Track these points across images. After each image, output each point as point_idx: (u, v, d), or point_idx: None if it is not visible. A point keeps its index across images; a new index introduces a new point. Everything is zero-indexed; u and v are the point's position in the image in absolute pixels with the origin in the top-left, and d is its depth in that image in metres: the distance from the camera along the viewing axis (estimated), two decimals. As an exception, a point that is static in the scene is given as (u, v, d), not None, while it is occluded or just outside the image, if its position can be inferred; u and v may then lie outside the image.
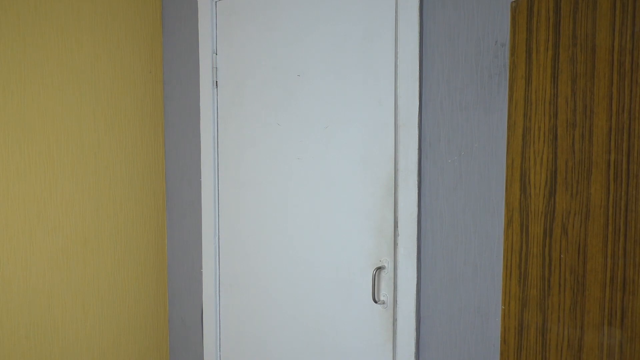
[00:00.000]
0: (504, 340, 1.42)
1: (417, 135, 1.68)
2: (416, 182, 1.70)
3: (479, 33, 1.58)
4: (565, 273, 1.30)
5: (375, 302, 1.81)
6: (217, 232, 2.23)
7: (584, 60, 1.25)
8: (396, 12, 1.72)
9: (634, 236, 1.20)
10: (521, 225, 1.37)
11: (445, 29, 1.63)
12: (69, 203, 2.11)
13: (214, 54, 2.17)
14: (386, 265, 1.80)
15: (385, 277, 1.81)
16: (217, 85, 2.17)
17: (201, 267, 2.29)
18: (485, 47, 1.57)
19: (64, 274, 2.12)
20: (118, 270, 2.28)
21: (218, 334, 2.26)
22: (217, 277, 2.24)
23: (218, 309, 2.25)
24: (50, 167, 2.06)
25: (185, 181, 2.35)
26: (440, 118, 1.66)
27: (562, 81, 1.28)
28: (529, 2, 1.32)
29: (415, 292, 1.72)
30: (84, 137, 2.15)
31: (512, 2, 1.37)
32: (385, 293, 1.81)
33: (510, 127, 1.39)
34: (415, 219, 1.70)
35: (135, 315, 2.35)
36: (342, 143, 1.88)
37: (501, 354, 1.43)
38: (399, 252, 1.75)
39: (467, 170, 1.63)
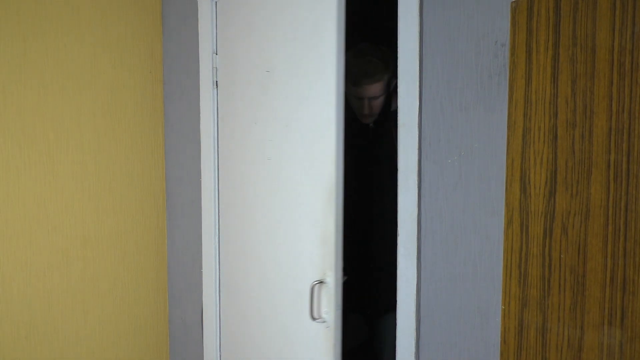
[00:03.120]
0: (504, 340, 1.42)
1: (417, 135, 1.68)
2: (416, 182, 1.69)
3: (479, 33, 1.58)
4: (565, 273, 1.31)
5: (314, 319, 1.69)
6: (217, 232, 2.22)
7: (584, 60, 1.25)
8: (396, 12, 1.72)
9: (634, 236, 1.20)
10: (521, 225, 1.37)
11: (445, 29, 1.63)
12: (69, 203, 2.11)
13: (214, 54, 2.16)
14: (328, 280, 1.67)
15: (327, 292, 1.67)
16: (217, 85, 2.17)
17: (201, 267, 2.29)
18: (485, 47, 1.57)
19: (64, 274, 2.11)
20: (118, 270, 2.28)
21: (218, 334, 2.26)
22: (217, 277, 2.24)
23: (218, 309, 2.24)
24: (50, 167, 2.06)
25: (185, 181, 2.35)
26: (440, 118, 1.66)
27: (562, 81, 1.28)
28: (529, 2, 1.32)
29: (415, 292, 1.72)
30: (84, 137, 2.15)
31: (512, 2, 1.37)
32: (327, 310, 1.68)
33: (510, 127, 1.39)
34: (415, 219, 1.70)
35: (135, 315, 2.35)
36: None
37: (501, 354, 1.43)
38: (399, 252, 1.74)
39: (467, 170, 1.63)
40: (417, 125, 1.68)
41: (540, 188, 1.33)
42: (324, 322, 1.70)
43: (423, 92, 1.68)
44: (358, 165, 2.23)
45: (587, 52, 1.24)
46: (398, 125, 1.72)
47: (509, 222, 1.40)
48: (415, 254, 1.71)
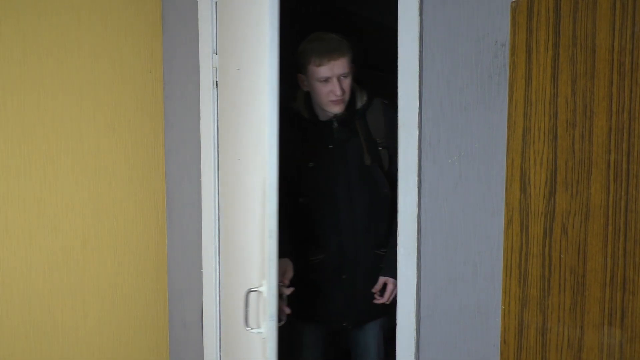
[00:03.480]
0: (504, 340, 1.42)
1: (417, 135, 1.68)
2: (416, 182, 1.69)
3: (479, 33, 1.58)
4: (565, 273, 1.31)
5: (250, 327, 1.61)
6: (217, 232, 2.22)
7: (584, 60, 1.25)
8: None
9: (634, 236, 1.20)
10: (521, 225, 1.38)
11: (445, 28, 1.63)
12: (69, 203, 2.11)
13: (214, 54, 2.16)
14: (262, 289, 1.58)
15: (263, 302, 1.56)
16: (217, 85, 2.17)
17: (201, 267, 2.29)
18: (485, 47, 1.57)
19: (64, 274, 2.11)
20: (118, 270, 2.28)
21: (218, 334, 2.26)
22: (217, 277, 2.24)
23: (218, 309, 2.24)
24: (50, 167, 2.06)
25: (185, 181, 2.35)
26: (440, 118, 1.66)
27: (562, 81, 1.28)
28: (529, 2, 1.32)
29: (415, 292, 1.72)
30: (84, 137, 2.14)
31: (512, 2, 1.37)
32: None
33: (510, 127, 1.39)
34: (415, 219, 1.70)
35: (135, 315, 2.35)
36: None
37: (501, 354, 1.43)
38: (399, 252, 1.74)
39: (467, 170, 1.63)
40: (417, 125, 1.68)
41: (540, 188, 1.33)
42: (260, 332, 1.62)
43: (423, 92, 1.68)
44: (324, 168, 2.15)
45: (587, 52, 1.24)
46: (398, 125, 1.72)
47: (509, 222, 1.40)
48: (415, 254, 1.71)
